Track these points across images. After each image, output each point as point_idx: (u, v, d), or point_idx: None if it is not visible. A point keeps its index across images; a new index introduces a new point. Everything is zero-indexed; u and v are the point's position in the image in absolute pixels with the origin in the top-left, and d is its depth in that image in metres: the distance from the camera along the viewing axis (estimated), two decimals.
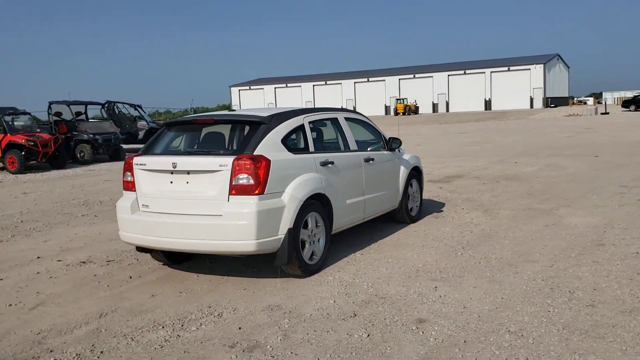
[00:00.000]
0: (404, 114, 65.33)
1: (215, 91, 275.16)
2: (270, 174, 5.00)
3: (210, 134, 5.73)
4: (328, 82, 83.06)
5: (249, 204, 4.89)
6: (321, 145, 6.05)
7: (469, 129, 33.63)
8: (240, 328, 4.25)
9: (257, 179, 4.89)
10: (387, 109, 76.23)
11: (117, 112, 25.03)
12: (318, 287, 5.09)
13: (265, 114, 5.49)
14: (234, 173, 4.90)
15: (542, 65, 67.27)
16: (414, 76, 75.86)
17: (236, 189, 4.90)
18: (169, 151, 5.60)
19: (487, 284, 4.96)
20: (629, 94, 70.31)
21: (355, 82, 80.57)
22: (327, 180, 5.69)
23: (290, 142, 5.53)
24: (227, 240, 4.92)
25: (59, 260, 6.45)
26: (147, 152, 5.60)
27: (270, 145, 5.19)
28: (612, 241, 6.14)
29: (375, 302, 4.63)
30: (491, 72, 70.27)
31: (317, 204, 5.52)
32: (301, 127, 5.70)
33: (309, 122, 5.85)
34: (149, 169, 5.33)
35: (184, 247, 5.15)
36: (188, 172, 5.11)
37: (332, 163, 5.85)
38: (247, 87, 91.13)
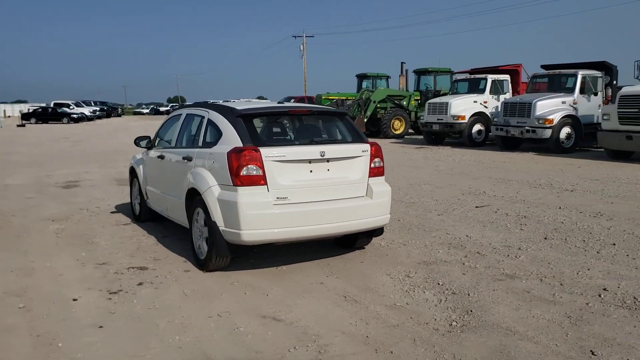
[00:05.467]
0: None
1: None
2: None
3: (306, 124, 5.97)
4: None
5: (384, 183, 5.69)
6: None
7: None
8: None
9: (383, 162, 5.73)
10: None
11: None
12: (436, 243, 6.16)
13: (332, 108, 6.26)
14: (372, 157, 5.56)
15: None
16: None
17: (373, 172, 5.57)
18: (302, 142, 5.61)
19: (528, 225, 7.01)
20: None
21: None
22: None
23: None
24: (373, 217, 5.47)
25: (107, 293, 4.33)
26: (263, 143, 5.23)
27: None
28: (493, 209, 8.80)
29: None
30: None
31: None
32: None
33: None
34: (288, 160, 5.15)
35: (332, 231, 5.30)
36: (328, 160, 5.30)
37: None
38: None
